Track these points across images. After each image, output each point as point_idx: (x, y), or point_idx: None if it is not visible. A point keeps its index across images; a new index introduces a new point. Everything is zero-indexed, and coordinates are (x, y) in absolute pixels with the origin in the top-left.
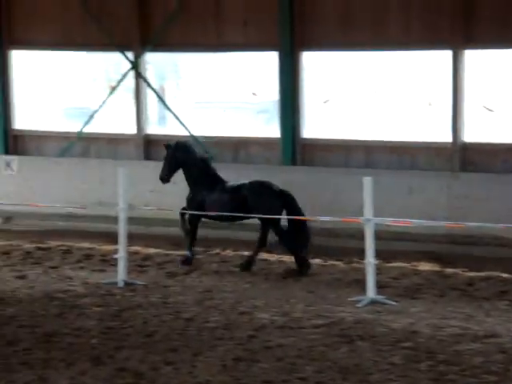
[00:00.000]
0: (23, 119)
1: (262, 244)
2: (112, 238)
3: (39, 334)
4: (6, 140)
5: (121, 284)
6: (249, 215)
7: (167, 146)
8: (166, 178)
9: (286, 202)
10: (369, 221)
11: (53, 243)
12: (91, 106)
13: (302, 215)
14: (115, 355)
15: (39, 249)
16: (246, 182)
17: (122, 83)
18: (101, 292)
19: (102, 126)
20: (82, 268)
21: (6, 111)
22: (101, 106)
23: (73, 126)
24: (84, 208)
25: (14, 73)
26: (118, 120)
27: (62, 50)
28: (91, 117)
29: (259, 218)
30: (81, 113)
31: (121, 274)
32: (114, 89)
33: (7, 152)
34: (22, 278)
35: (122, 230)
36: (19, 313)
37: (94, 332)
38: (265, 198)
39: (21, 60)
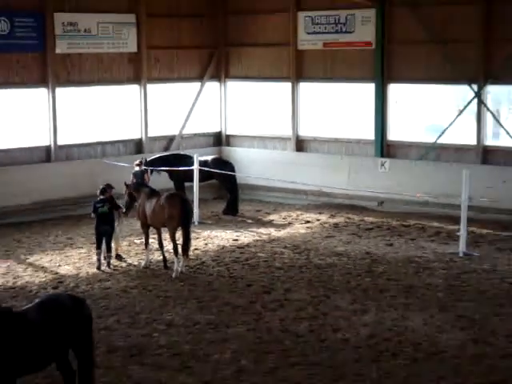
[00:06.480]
0: (395, 133)
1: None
2: (455, 220)
3: (401, 286)
4: (382, 147)
5: (461, 254)
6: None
7: None
8: None
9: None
10: None
11: (412, 222)
12: (443, 124)
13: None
14: (456, 305)
15: (402, 225)
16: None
17: (466, 108)
18: (445, 259)
19: (450, 138)
20: (432, 241)
21: (383, 126)
22: (450, 124)
23: (429, 138)
24: (436, 198)
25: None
26: (462, 135)
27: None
28: (443, 132)
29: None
30: (436, 128)
31: (461, 247)
32: (461, 112)
33: (382, 155)
34: (389, 245)
35: (463, 214)
36: (385, 270)
37: (440, 287)
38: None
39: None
